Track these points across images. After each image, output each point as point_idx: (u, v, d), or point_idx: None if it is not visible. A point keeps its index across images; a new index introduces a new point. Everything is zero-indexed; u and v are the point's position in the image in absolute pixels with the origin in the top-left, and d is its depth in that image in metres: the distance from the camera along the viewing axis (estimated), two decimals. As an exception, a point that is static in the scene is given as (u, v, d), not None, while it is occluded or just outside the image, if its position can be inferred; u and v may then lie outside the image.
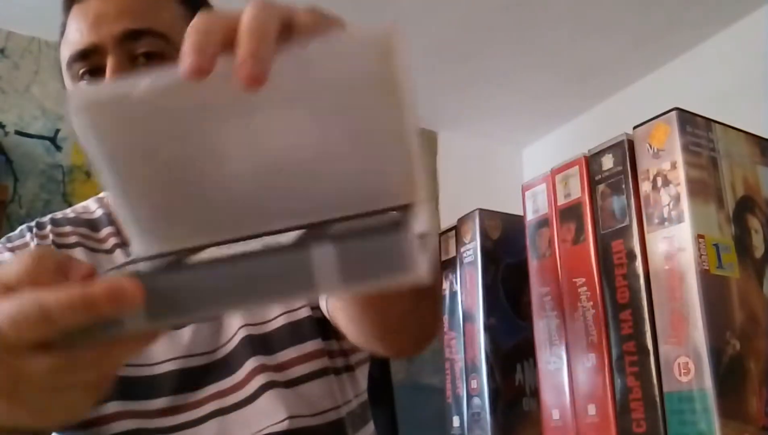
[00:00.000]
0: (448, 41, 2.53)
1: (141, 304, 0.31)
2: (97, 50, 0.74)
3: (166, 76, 0.33)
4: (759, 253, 0.44)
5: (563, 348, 0.47)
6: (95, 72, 0.75)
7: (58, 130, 2.36)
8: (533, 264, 0.50)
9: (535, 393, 0.50)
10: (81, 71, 0.76)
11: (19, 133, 2.32)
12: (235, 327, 0.78)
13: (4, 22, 2.34)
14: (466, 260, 0.56)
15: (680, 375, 0.40)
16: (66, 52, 0.77)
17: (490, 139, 3.22)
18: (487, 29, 2.47)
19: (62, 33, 0.80)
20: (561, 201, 0.49)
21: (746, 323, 0.41)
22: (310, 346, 0.78)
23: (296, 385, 0.77)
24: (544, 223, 0.50)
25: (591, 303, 0.45)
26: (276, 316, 0.79)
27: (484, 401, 0.52)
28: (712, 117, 0.44)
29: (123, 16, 0.75)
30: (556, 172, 0.50)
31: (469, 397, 0.53)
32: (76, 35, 0.76)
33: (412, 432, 1.25)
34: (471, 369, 0.54)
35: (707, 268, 0.40)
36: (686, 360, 0.40)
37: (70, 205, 0.93)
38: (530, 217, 0.51)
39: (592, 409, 0.44)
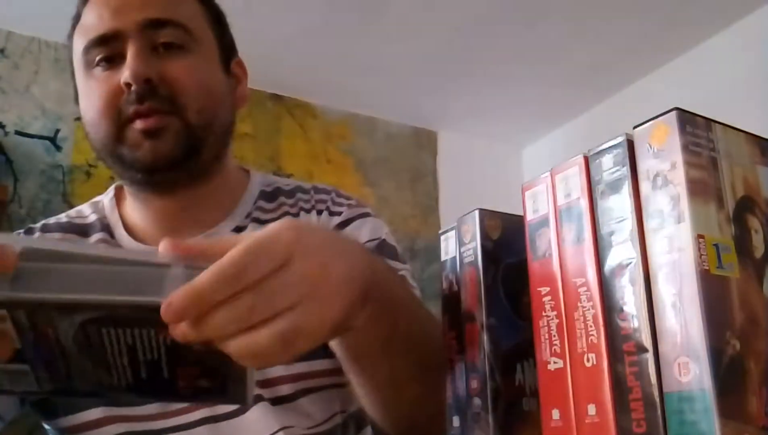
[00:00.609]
0: (448, 41, 2.53)
1: (9, 272, 0.35)
2: (118, 36, 0.74)
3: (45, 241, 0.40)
4: (759, 253, 0.44)
5: (563, 348, 0.47)
6: (112, 59, 0.75)
7: (58, 130, 2.37)
8: (533, 264, 0.50)
9: (535, 393, 0.50)
10: (98, 57, 0.75)
11: (19, 133, 2.32)
12: None
13: (4, 22, 2.34)
14: (466, 260, 0.56)
15: (680, 375, 0.40)
16: (82, 40, 0.76)
17: (490, 139, 3.22)
18: (487, 29, 2.47)
19: (74, 25, 0.80)
20: (561, 201, 0.49)
21: (746, 323, 0.41)
22: (300, 367, 0.77)
23: (284, 403, 0.76)
24: (544, 223, 0.50)
25: (591, 303, 0.45)
26: None
27: (484, 401, 0.52)
28: (712, 117, 0.44)
29: (147, 6, 0.75)
30: (556, 172, 0.50)
31: (469, 397, 0.53)
32: (95, 21, 0.75)
33: (412, 432, 1.24)
34: (471, 369, 0.54)
35: (707, 268, 0.40)
36: (686, 360, 0.40)
37: (69, 205, 0.93)
38: (530, 217, 0.51)
39: (592, 409, 0.44)
